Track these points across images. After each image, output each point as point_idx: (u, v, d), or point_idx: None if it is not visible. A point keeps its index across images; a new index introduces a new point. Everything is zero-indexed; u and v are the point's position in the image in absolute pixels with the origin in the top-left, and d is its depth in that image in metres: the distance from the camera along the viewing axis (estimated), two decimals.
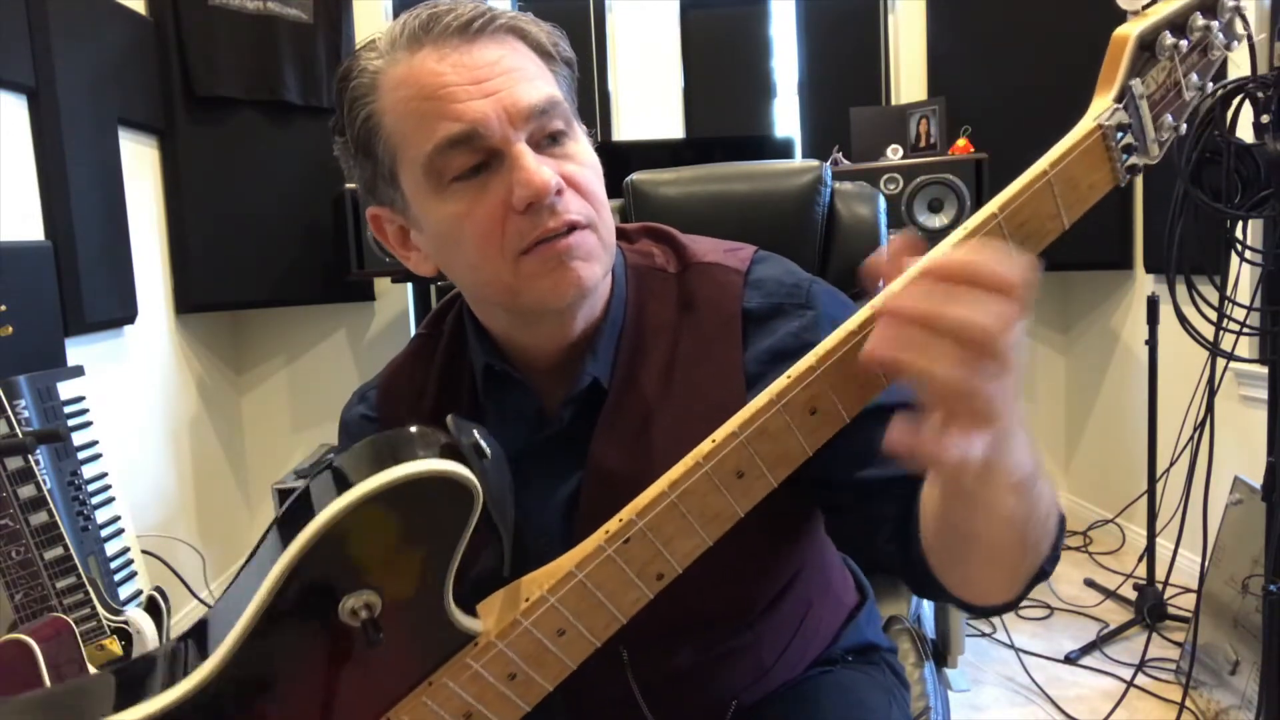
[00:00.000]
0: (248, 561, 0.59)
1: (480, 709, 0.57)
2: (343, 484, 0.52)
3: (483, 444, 0.55)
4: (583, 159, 0.74)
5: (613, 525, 0.53)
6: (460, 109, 0.68)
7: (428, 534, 0.54)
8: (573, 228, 0.71)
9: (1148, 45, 0.55)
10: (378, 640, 0.53)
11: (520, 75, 0.70)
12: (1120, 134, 0.55)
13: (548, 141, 0.72)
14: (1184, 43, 0.56)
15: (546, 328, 0.77)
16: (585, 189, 0.73)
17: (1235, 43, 0.59)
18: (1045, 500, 0.60)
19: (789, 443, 0.53)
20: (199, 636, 0.60)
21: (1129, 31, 0.55)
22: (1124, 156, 0.56)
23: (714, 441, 0.53)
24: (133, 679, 0.58)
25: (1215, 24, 0.57)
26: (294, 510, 0.55)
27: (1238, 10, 0.58)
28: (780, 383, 0.54)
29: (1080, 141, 0.54)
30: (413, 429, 0.56)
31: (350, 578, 0.53)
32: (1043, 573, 0.66)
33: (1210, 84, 0.59)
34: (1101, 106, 0.56)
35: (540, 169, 0.68)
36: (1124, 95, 0.56)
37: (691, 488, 0.53)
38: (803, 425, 0.53)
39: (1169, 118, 0.57)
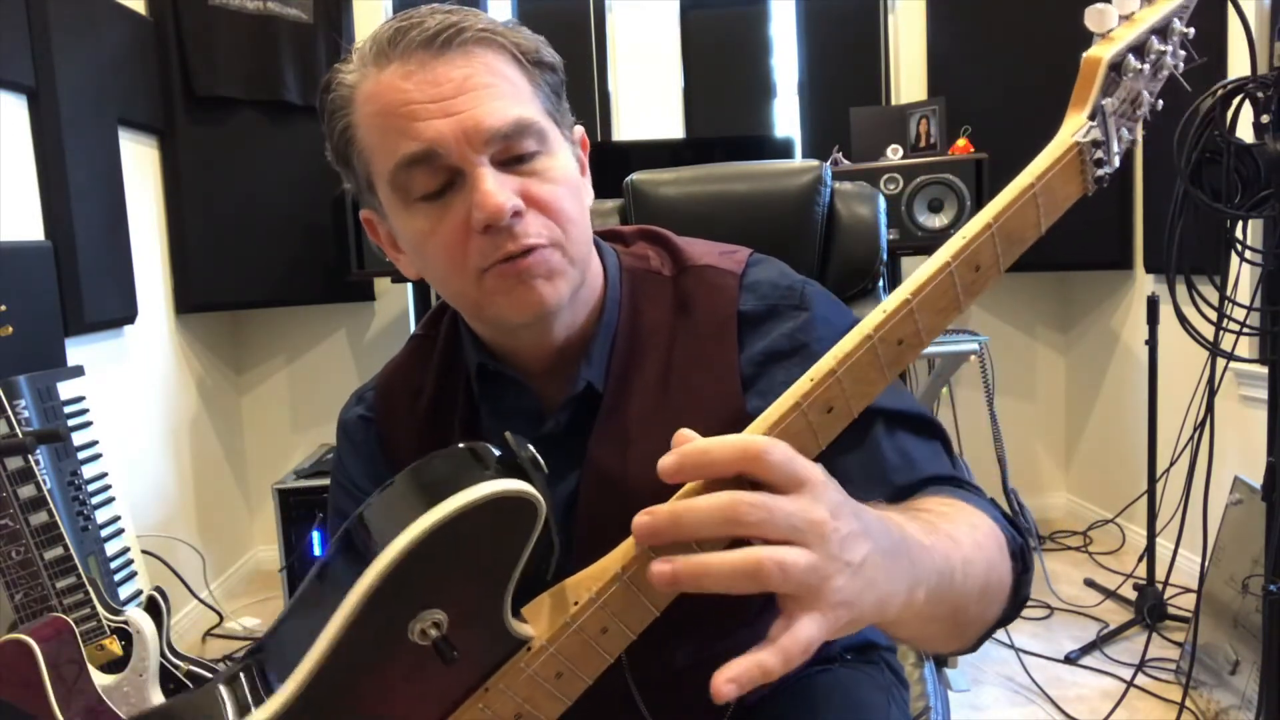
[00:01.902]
0: (300, 590, 0.59)
1: (529, 709, 0.59)
2: (407, 510, 0.53)
3: (538, 458, 0.56)
4: (553, 175, 0.72)
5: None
6: (420, 128, 0.68)
7: (494, 551, 0.55)
8: (532, 250, 0.70)
9: (1115, 67, 0.61)
10: (454, 658, 0.55)
11: (488, 94, 0.69)
12: (1095, 150, 0.60)
13: (514, 159, 0.70)
14: (1145, 65, 0.62)
15: (525, 337, 0.78)
16: (551, 208, 0.71)
17: (1182, 64, 0.65)
18: (973, 582, 0.60)
19: (806, 442, 0.55)
20: (260, 667, 0.60)
21: (1101, 55, 0.60)
22: (1095, 169, 0.61)
23: None
24: (198, 708, 0.59)
25: (1168, 47, 0.62)
26: (356, 538, 0.55)
27: (1185, 36, 0.64)
28: (802, 385, 0.55)
29: (1061, 157, 0.59)
30: (462, 446, 0.56)
31: (421, 599, 0.54)
32: (1005, 619, 0.66)
33: (1160, 101, 0.65)
34: (1077, 124, 0.61)
35: (498, 192, 0.67)
36: (1096, 113, 0.60)
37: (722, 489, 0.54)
38: (819, 423, 0.56)
39: (1125, 131, 0.63)
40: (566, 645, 0.57)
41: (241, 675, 0.61)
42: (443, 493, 0.53)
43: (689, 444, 0.50)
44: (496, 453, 0.56)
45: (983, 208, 0.59)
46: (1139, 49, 0.61)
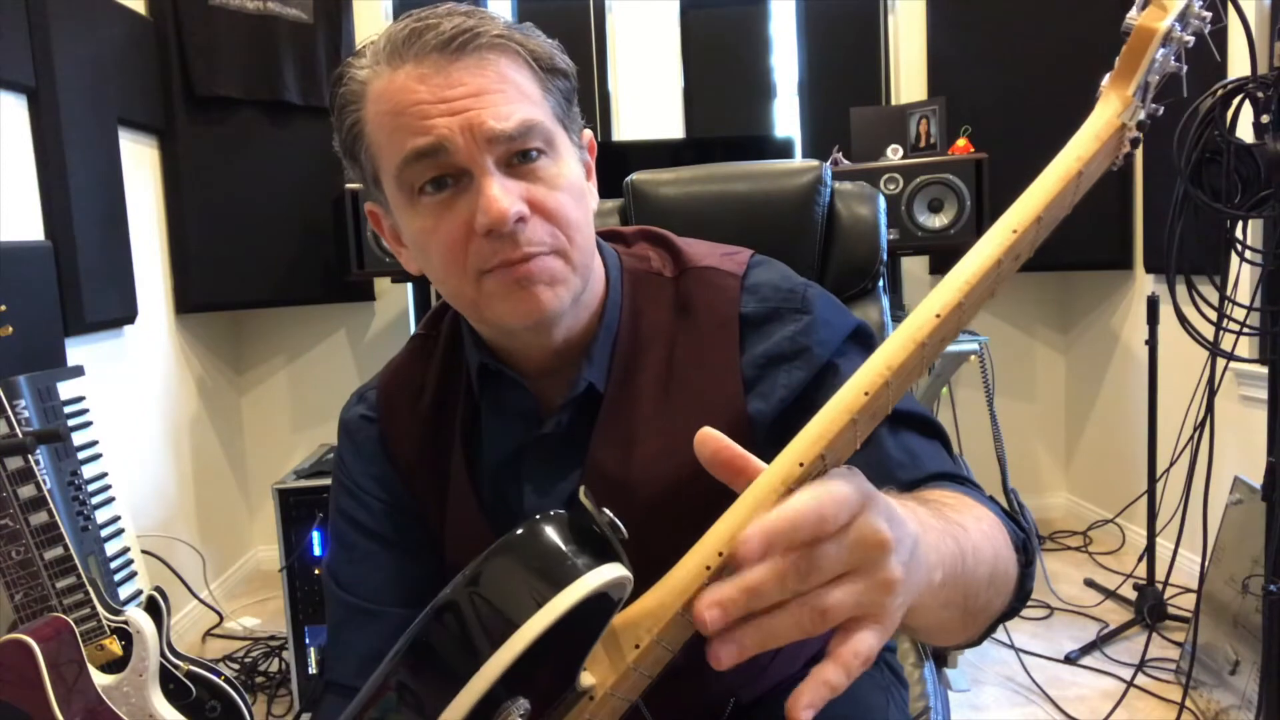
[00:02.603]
0: (364, 701, 0.56)
1: None
2: (499, 622, 0.50)
3: (617, 522, 0.54)
4: (557, 181, 0.72)
5: (714, 561, 0.51)
6: (428, 125, 0.68)
7: (581, 632, 0.54)
8: (533, 257, 0.70)
9: (1165, 37, 0.57)
10: None
11: (497, 98, 0.69)
12: (1135, 130, 0.57)
13: (519, 159, 0.71)
14: (1188, 35, 0.57)
15: (525, 339, 0.78)
16: (553, 214, 0.72)
17: (1209, 26, 0.60)
18: (983, 569, 0.60)
19: (848, 449, 0.54)
20: None
21: (1157, 25, 0.56)
22: (1126, 146, 0.58)
23: (801, 465, 0.52)
24: None
25: (1207, 12, 0.58)
26: (436, 655, 0.52)
27: None
28: (856, 399, 0.53)
29: (1108, 140, 0.56)
30: (539, 521, 0.53)
31: (509, 693, 0.52)
32: (1011, 611, 0.66)
33: (1185, 66, 0.60)
34: (1122, 102, 0.56)
35: (502, 198, 0.68)
36: (1141, 90, 0.56)
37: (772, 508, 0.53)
38: (863, 429, 0.54)
39: (1151, 102, 0.59)
40: (625, 684, 0.56)
41: None
42: (539, 594, 0.50)
43: (771, 521, 0.46)
44: (569, 517, 0.53)
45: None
46: (1182, 15, 0.57)
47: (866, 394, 0.53)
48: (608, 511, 0.53)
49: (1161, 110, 0.60)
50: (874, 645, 0.47)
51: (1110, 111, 0.57)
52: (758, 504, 0.51)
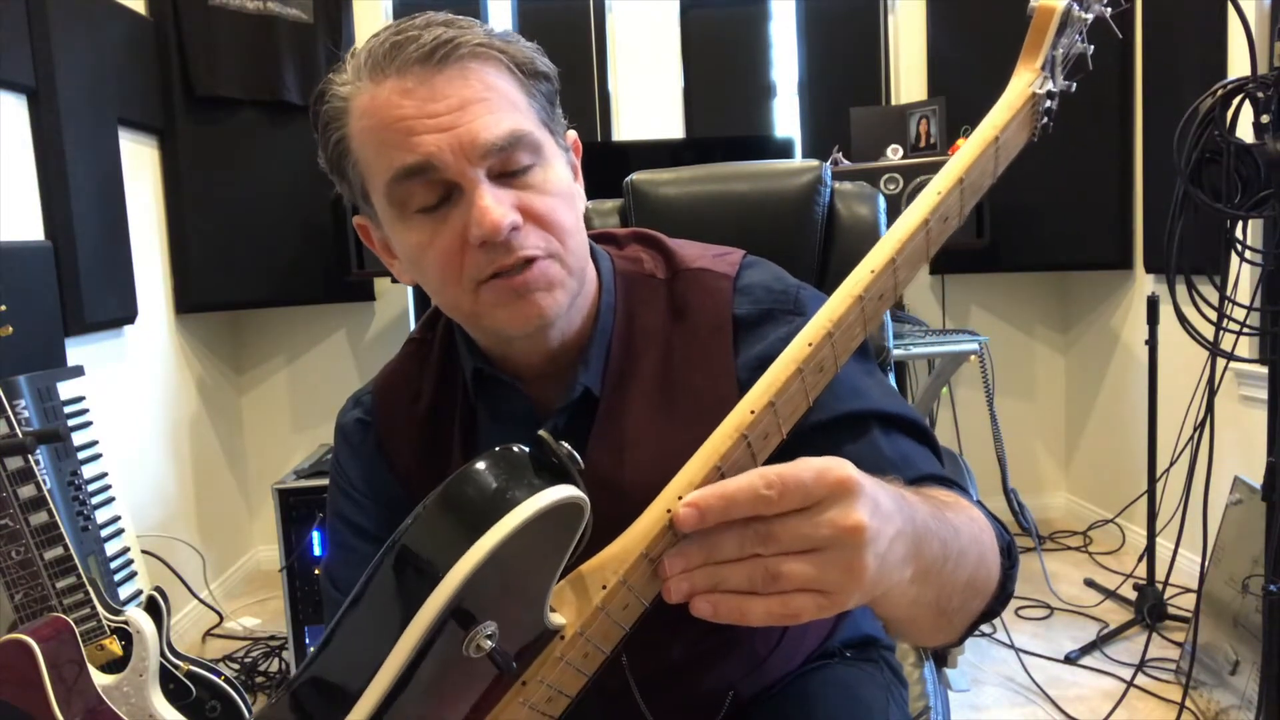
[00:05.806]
0: (340, 619, 0.58)
1: (559, 691, 0.60)
2: (462, 532, 0.52)
3: (574, 453, 0.56)
4: (548, 187, 0.73)
5: (675, 506, 0.55)
6: (416, 141, 0.68)
7: (544, 555, 0.56)
8: (530, 261, 0.71)
9: (1065, 16, 0.64)
10: (514, 669, 0.55)
11: (483, 108, 0.69)
12: (1046, 100, 0.64)
13: (510, 174, 0.71)
14: (1088, 14, 0.65)
15: (521, 344, 0.78)
16: (546, 220, 0.72)
17: (1110, 8, 0.67)
18: (963, 573, 0.61)
19: (799, 403, 0.59)
20: (319, 693, 0.60)
21: (1055, 5, 0.64)
22: (1043, 118, 0.65)
23: (753, 413, 0.57)
24: None
25: None
26: (406, 563, 0.54)
27: None
28: (800, 350, 0.58)
29: (1020, 109, 0.63)
30: (498, 451, 0.56)
31: (476, 613, 0.54)
32: (991, 612, 0.68)
33: (1091, 46, 0.68)
34: (1031, 75, 0.64)
35: (496, 207, 0.68)
36: (1047, 64, 0.64)
37: (735, 459, 0.56)
38: (811, 383, 0.59)
39: (1060, 77, 0.66)
40: (595, 627, 0.58)
41: (296, 700, 0.59)
42: (497, 509, 0.52)
43: (707, 493, 0.51)
44: (529, 451, 0.56)
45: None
46: None
47: (810, 345, 0.58)
48: (565, 444, 0.56)
49: (1074, 87, 0.67)
50: (810, 613, 0.50)
51: (1022, 83, 0.64)
52: (715, 451, 0.56)
